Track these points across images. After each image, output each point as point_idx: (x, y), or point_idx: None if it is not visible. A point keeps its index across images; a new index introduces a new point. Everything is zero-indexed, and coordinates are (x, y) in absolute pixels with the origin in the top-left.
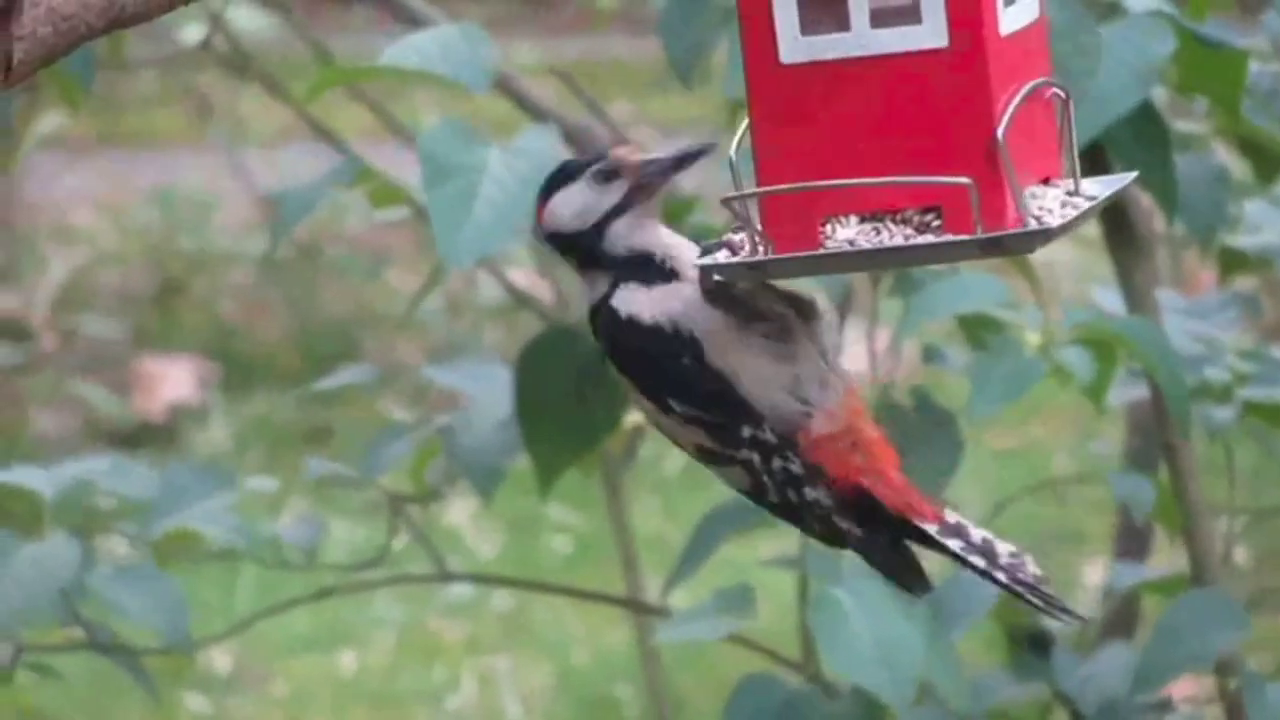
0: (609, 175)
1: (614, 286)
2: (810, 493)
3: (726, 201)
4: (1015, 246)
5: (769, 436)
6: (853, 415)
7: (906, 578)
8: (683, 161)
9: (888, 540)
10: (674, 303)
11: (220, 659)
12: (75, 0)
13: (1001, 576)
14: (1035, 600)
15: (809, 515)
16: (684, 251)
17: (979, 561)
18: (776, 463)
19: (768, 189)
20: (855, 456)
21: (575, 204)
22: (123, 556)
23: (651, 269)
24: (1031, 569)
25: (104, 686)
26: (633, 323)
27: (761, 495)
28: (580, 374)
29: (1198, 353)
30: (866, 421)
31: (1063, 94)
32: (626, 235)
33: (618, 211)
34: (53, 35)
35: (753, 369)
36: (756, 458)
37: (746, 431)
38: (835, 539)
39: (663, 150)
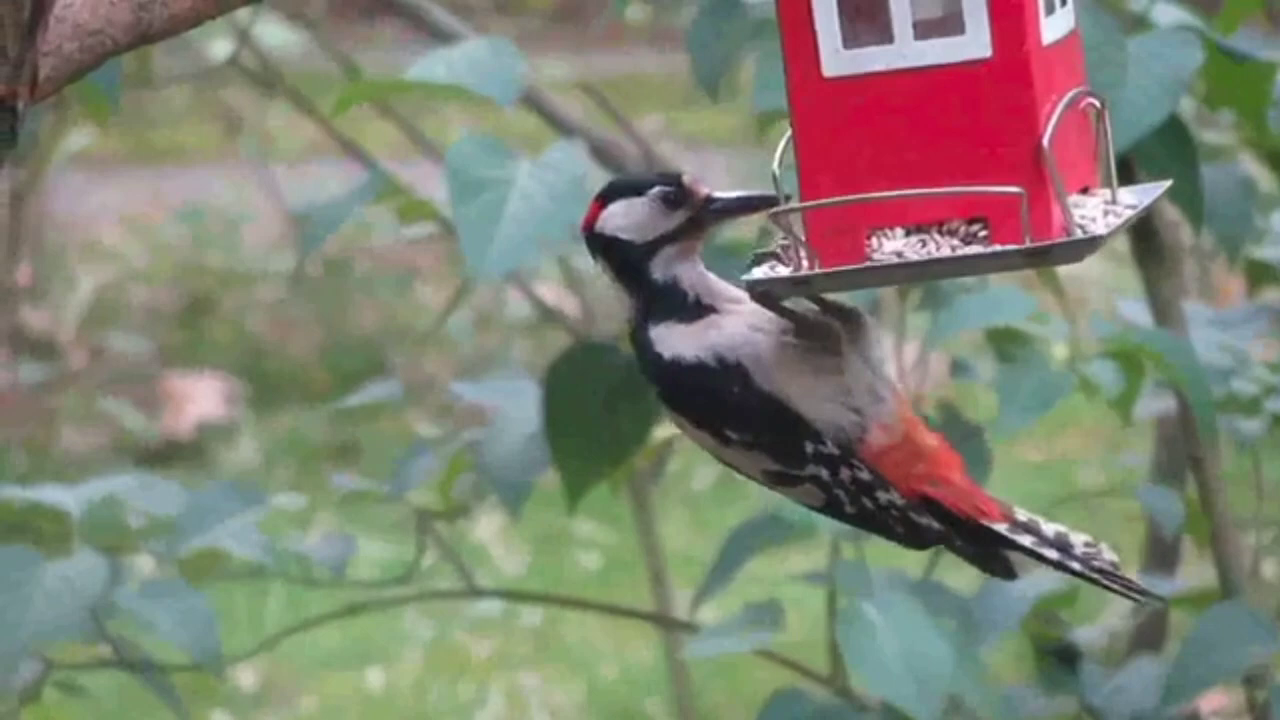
0: (675, 202)
1: (646, 316)
2: (884, 496)
3: (774, 216)
4: (1064, 255)
5: (831, 449)
6: (909, 425)
7: (992, 565)
8: (746, 207)
9: (966, 536)
10: (712, 334)
11: (246, 677)
12: (101, 16)
13: (1077, 566)
14: (1113, 585)
15: (888, 519)
16: (714, 285)
17: (1053, 554)
18: (845, 473)
19: (815, 203)
20: (917, 465)
21: (635, 216)
22: (151, 574)
23: (680, 301)
24: (1108, 555)
25: (132, 704)
26: (677, 364)
27: (838, 509)
28: (609, 389)
29: (1225, 365)
30: (923, 429)
31: (1098, 103)
32: (668, 263)
33: (671, 238)
34: (78, 51)
35: (802, 385)
36: (825, 472)
37: (809, 448)
38: (919, 539)
39: (728, 192)
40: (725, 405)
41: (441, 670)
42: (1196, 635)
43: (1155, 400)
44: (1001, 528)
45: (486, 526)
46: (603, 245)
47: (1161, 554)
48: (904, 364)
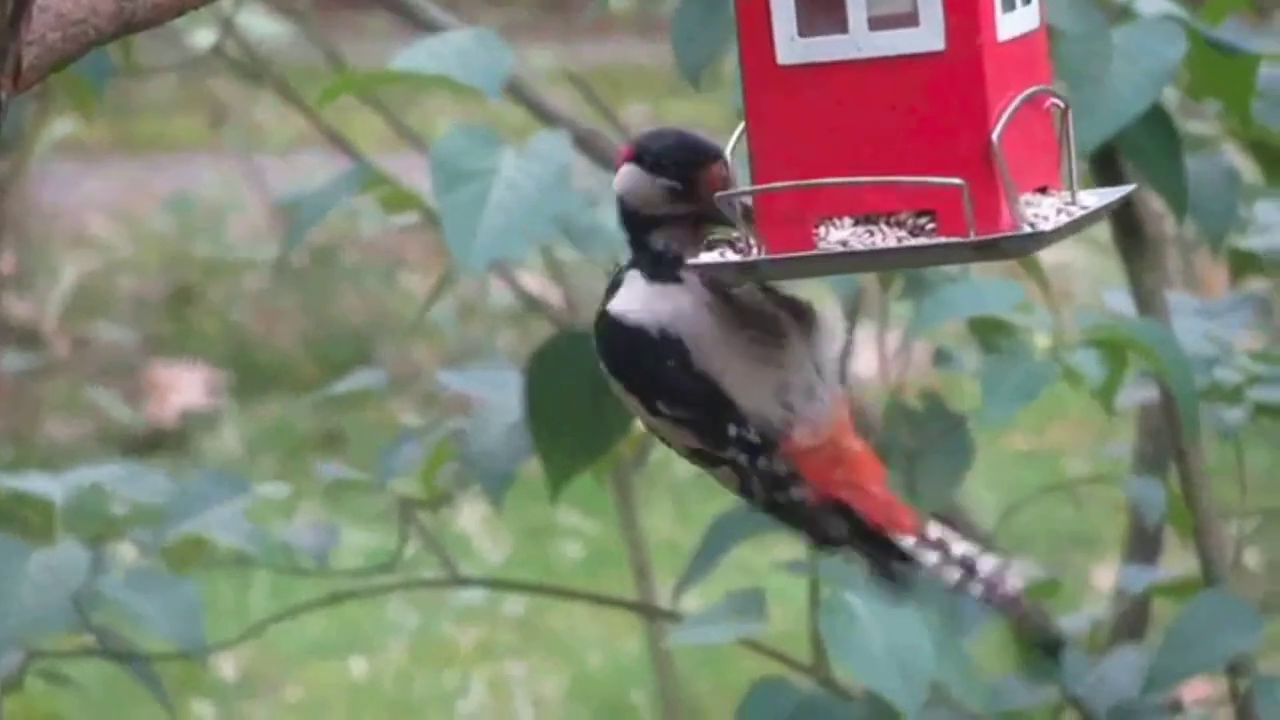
0: (680, 195)
1: (617, 281)
2: (795, 493)
3: (722, 200)
4: (1010, 249)
5: (753, 437)
6: (837, 429)
7: (884, 571)
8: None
9: (871, 545)
10: (664, 304)
11: (230, 666)
12: (85, 5)
13: (975, 591)
14: (1009, 616)
15: (796, 516)
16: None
17: (953, 576)
18: (762, 462)
19: (761, 188)
20: (836, 470)
21: (642, 191)
22: (135, 563)
23: (656, 258)
24: (1013, 582)
25: (117, 693)
26: (618, 322)
27: (750, 496)
28: (592, 379)
29: (1209, 354)
30: (851, 436)
31: (1062, 104)
32: (668, 238)
33: (673, 221)
34: (62, 40)
35: (738, 371)
36: (743, 457)
37: (732, 430)
38: (824, 541)
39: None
40: (658, 377)
41: (426, 659)
42: (1179, 625)
43: (1140, 390)
44: (908, 543)
45: (470, 516)
46: (616, 194)
47: (1144, 543)
48: (887, 353)
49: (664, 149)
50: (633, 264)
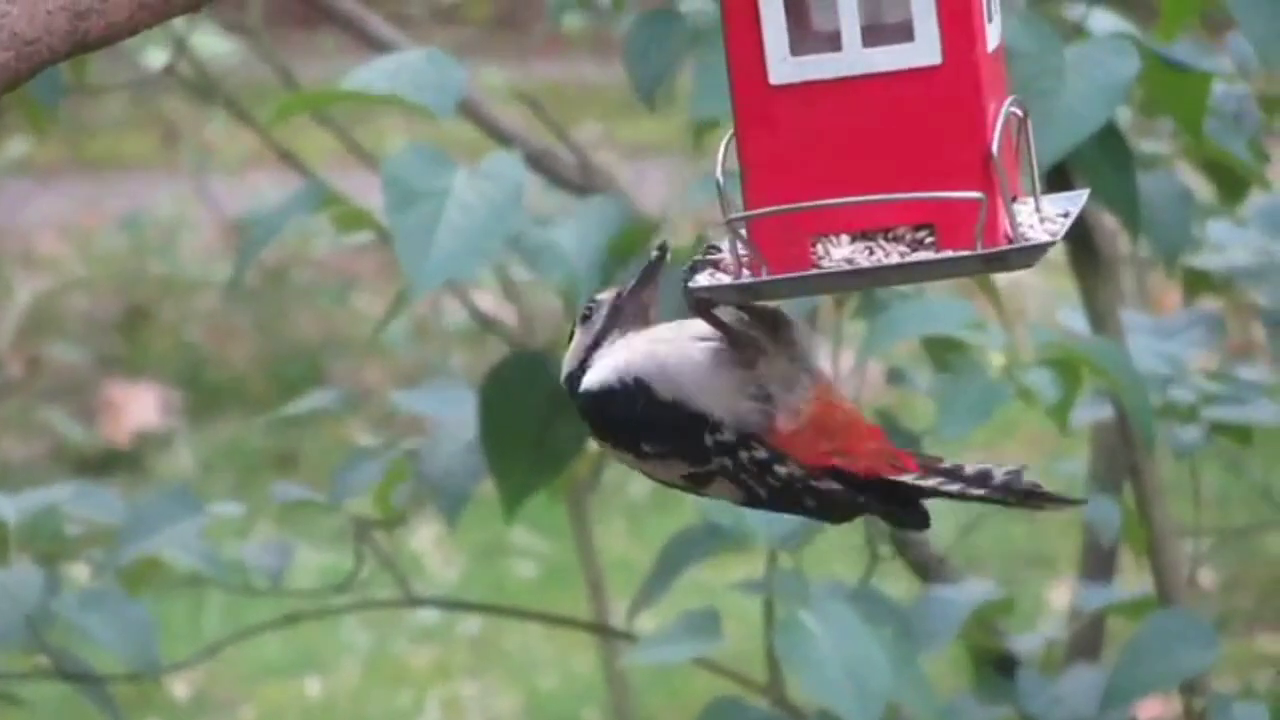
0: (587, 316)
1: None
2: (782, 470)
3: (726, 224)
4: (1017, 261)
5: (728, 436)
6: (819, 407)
7: (905, 519)
8: (644, 280)
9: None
10: (617, 356)
11: (183, 687)
12: (39, 25)
13: (994, 492)
14: (1033, 503)
15: (797, 494)
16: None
17: (953, 487)
18: (743, 455)
19: (767, 210)
20: (822, 443)
21: (572, 351)
22: (88, 583)
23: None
24: (1030, 480)
25: (71, 713)
26: (590, 394)
27: (755, 497)
28: (546, 398)
29: (1163, 373)
30: (839, 409)
31: (1020, 112)
32: (604, 356)
33: (596, 344)
34: (15, 60)
35: (699, 381)
36: (727, 460)
37: (709, 440)
38: (832, 509)
39: (630, 279)
40: (634, 421)
41: (380, 679)
42: (1135, 643)
43: (1094, 409)
44: (909, 477)
45: (424, 536)
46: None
47: (1099, 562)
48: (840, 372)
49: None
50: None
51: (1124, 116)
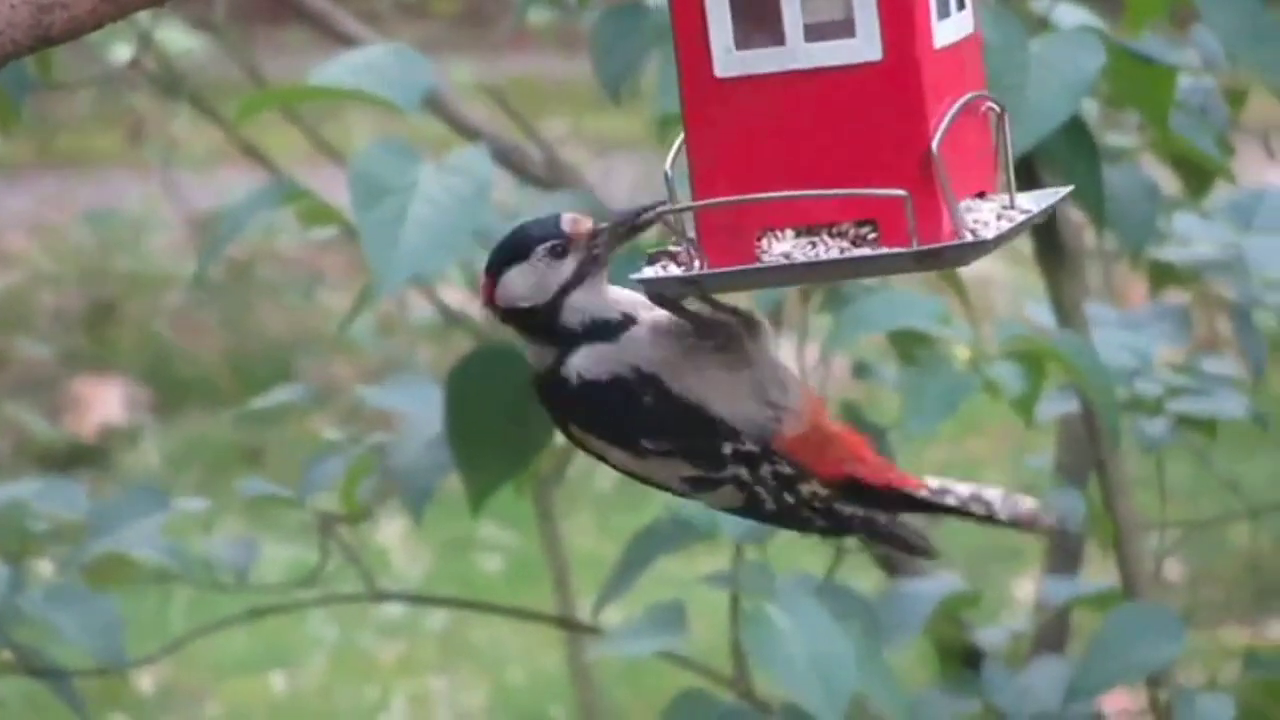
0: (560, 251)
1: (564, 355)
2: (806, 488)
3: (663, 215)
4: (952, 259)
5: (750, 447)
6: (815, 411)
7: (914, 547)
8: (632, 223)
9: (888, 517)
10: (627, 350)
11: (149, 681)
12: (2, 17)
13: (1004, 518)
14: (1040, 528)
15: (809, 512)
16: (623, 295)
17: (980, 509)
18: (765, 469)
19: (704, 202)
20: (830, 449)
21: (529, 281)
22: (53, 579)
23: (603, 326)
24: (1026, 504)
25: (37, 708)
26: (591, 384)
27: (758, 507)
28: (512, 393)
29: (1129, 366)
30: (825, 414)
31: (997, 108)
32: (583, 307)
33: (572, 285)
34: None
35: (715, 384)
36: (744, 471)
37: (728, 448)
38: (839, 529)
39: (612, 217)
40: (640, 416)
41: (346, 674)
42: (1100, 636)
43: (1060, 402)
44: (924, 494)
45: (389, 530)
46: (506, 315)
47: (1065, 555)
48: (806, 365)
49: (515, 237)
50: (564, 353)
51: (1090, 110)
